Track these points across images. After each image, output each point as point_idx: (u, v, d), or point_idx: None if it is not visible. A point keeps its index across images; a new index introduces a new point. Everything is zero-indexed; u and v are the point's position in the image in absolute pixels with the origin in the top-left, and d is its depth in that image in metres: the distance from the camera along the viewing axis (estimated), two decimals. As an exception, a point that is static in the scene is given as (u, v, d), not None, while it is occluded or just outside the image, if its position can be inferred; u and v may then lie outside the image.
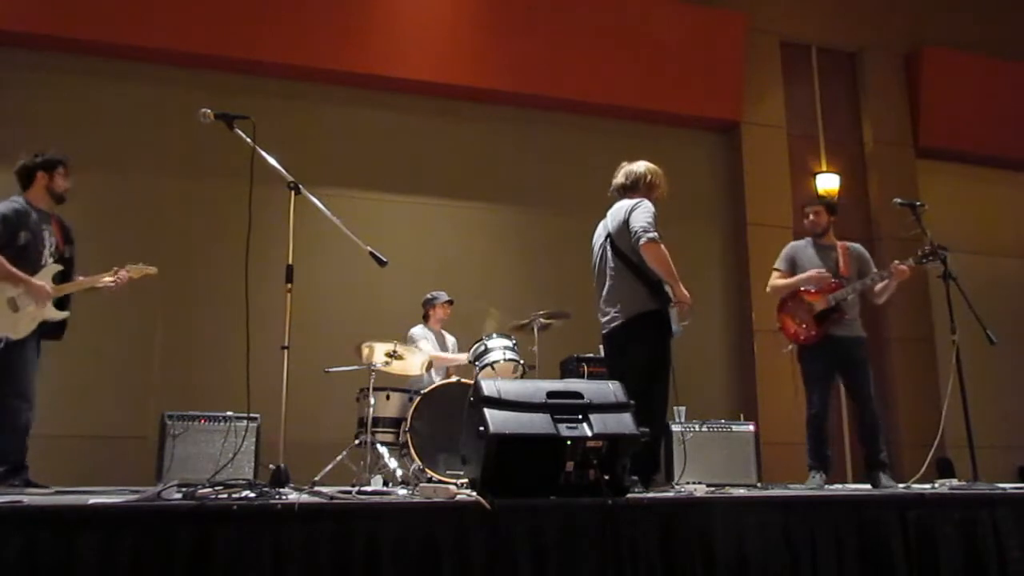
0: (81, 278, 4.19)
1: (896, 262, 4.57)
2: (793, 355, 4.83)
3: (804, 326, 4.65)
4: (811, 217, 4.88)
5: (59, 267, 4.09)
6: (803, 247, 4.87)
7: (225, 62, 6.61)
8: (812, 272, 4.64)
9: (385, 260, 3.54)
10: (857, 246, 4.91)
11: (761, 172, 7.84)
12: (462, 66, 7.08)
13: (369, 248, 3.54)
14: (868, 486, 4.48)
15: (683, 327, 3.91)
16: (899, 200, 4.62)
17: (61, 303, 4.09)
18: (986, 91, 8.50)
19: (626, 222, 3.94)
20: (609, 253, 4.05)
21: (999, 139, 8.55)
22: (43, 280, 3.99)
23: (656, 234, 3.83)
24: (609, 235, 4.07)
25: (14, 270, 3.89)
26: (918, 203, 4.58)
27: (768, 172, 7.86)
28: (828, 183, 8.08)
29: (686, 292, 3.88)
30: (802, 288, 4.71)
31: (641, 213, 3.91)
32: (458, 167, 7.22)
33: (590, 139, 7.44)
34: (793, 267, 4.83)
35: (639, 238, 3.84)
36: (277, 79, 6.80)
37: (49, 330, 4.08)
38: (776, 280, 4.85)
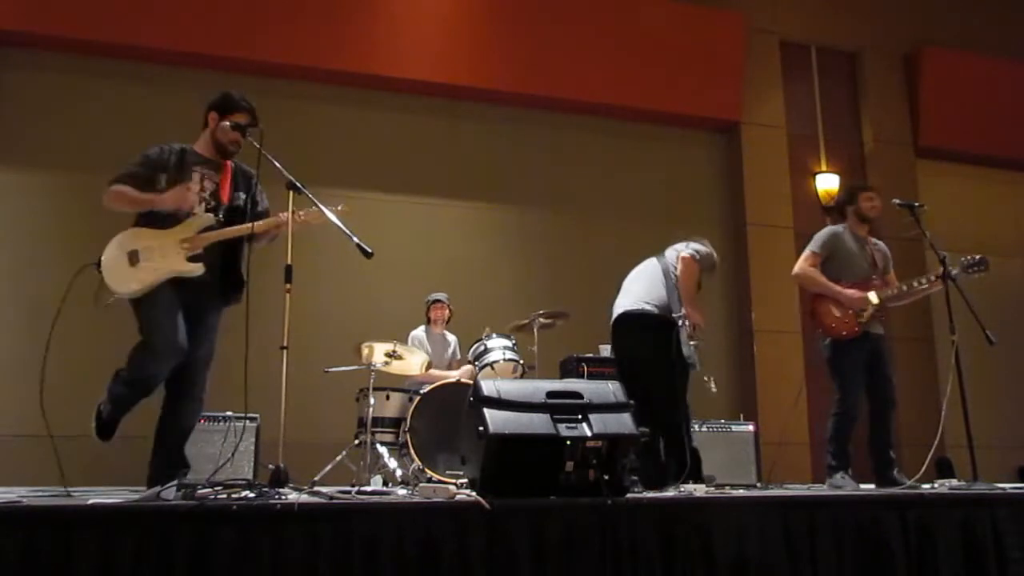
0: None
1: (932, 275, 4.39)
2: (818, 352, 4.60)
3: (847, 319, 4.35)
4: (875, 202, 4.56)
5: (208, 218, 3.48)
6: (844, 235, 4.52)
7: (225, 62, 6.60)
8: (853, 293, 4.35)
9: (370, 251, 3.35)
10: (881, 244, 4.72)
11: (761, 172, 7.83)
12: (462, 66, 7.08)
13: (356, 239, 3.38)
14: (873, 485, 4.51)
15: (695, 347, 3.97)
16: (898, 201, 4.59)
17: (202, 258, 3.46)
18: (986, 91, 8.49)
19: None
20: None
21: (999, 139, 8.55)
22: (186, 231, 3.44)
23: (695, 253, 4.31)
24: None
25: (137, 194, 3.41)
26: (917, 204, 4.56)
27: (768, 172, 7.85)
28: (828, 183, 8.08)
29: (698, 316, 4.07)
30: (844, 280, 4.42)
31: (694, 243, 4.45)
32: (458, 167, 7.21)
33: (590, 139, 7.44)
34: (832, 255, 4.48)
35: (680, 251, 4.33)
36: (277, 79, 6.79)
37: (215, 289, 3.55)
38: (808, 268, 4.47)
